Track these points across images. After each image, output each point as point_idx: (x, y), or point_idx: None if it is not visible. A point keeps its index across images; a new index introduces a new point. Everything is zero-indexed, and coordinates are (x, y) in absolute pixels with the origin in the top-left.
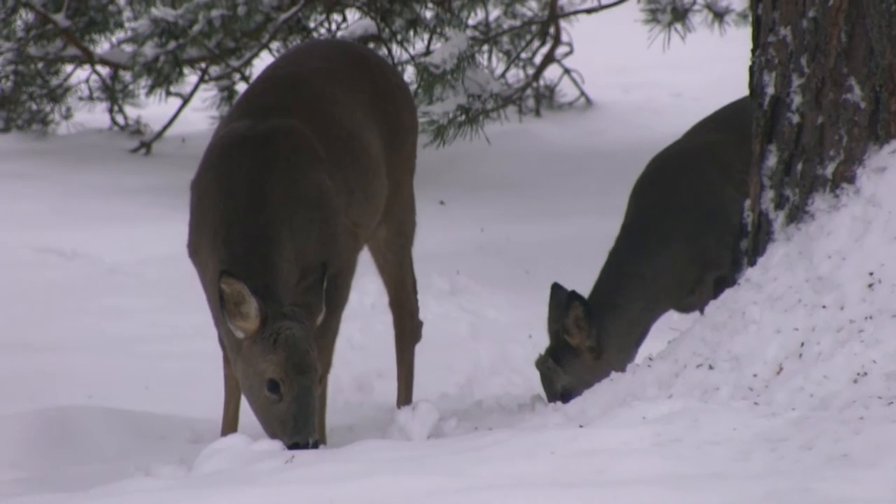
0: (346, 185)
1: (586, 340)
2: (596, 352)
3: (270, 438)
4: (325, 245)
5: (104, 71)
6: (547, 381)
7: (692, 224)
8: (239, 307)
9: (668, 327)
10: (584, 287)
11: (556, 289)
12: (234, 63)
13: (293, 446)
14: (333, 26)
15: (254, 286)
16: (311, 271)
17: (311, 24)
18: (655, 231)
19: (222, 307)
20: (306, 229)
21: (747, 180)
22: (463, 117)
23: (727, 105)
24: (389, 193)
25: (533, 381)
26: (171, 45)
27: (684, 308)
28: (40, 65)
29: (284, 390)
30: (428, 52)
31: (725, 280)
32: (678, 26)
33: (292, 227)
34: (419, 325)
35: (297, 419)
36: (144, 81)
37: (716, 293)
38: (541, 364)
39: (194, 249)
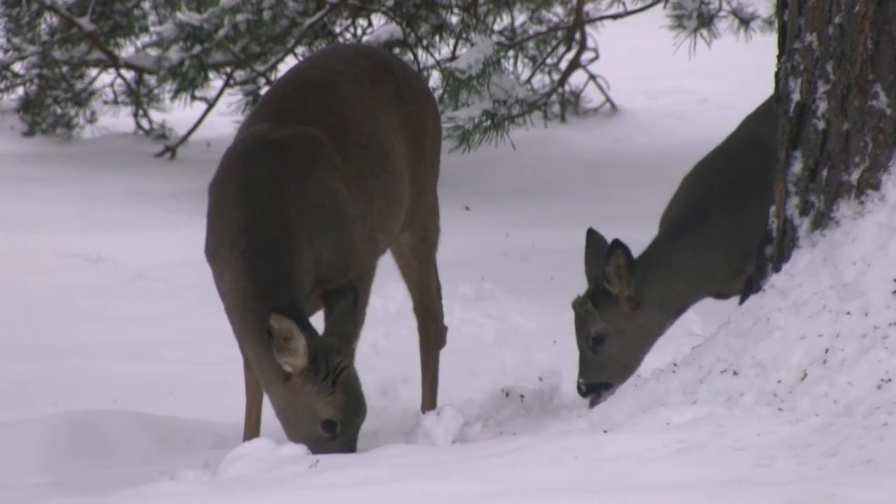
0: (364, 194)
1: (625, 289)
2: (634, 302)
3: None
4: (342, 253)
5: (129, 75)
6: (581, 324)
7: (748, 212)
8: (287, 343)
9: (690, 333)
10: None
11: (592, 234)
12: (260, 68)
13: None
14: (359, 31)
15: (285, 307)
16: (342, 297)
17: (337, 29)
18: (714, 212)
19: (270, 342)
20: (323, 238)
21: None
22: (488, 123)
23: None
24: (412, 199)
25: (558, 386)
26: (197, 49)
27: (723, 295)
28: (65, 69)
29: (340, 430)
30: (453, 57)
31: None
32: (704, 32)
33: (310, 236)
34: (444, 330)
35: (347, 452)
36: (169, 86)
37: (746, 288)
38: (578, 306)
39: (212, 254)
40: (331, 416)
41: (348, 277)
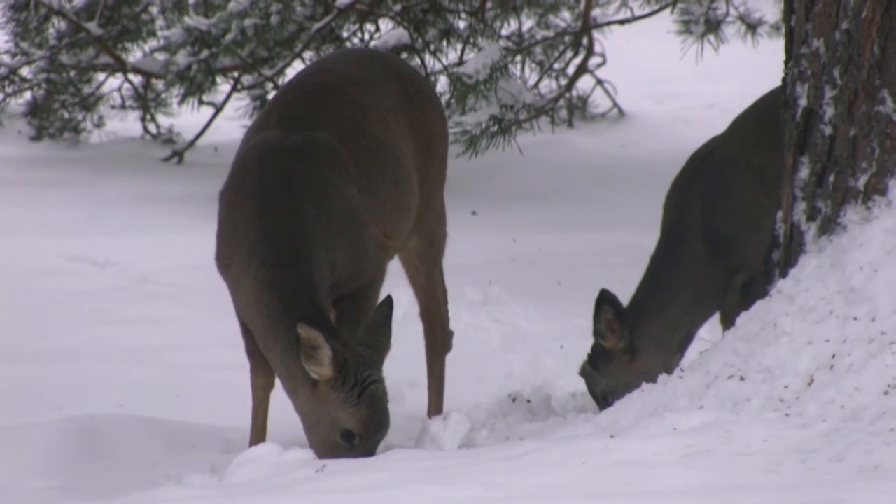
0: (376, 199)
1: (619, 343)
2: (630, 354)
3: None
4: (355, 259)
5: (136, 79)
6: (589, 387)
7: (723, 226)
8: (314, 352)
9: (698, 338)
10: (620, 297)
11: (604, 294)
12: (267, 72)
13: None
14: (366, 36)
15: (313, 317)
16: (377, 310)
17: (345, 34)
18: (684, 234)
19: (299, 351)
20: (338, 245)
21: (779, 186)
22: (496, 128)
23: (767, 95)
24: (420, 203)
25: (565, 390)
26: (204, 54)
27: (727, 310)
28: (73, 73)
29: (359, 443)
30: (461, 62)
31: (752, 284)
32: (711, 38)
33: (326, 243)
34: (450, 335)
35: None
36: (177, 90)
37: (743, 297)
38: (582, 371)
39: (225, 263)
40: (351, 427)
41: (360, 283)
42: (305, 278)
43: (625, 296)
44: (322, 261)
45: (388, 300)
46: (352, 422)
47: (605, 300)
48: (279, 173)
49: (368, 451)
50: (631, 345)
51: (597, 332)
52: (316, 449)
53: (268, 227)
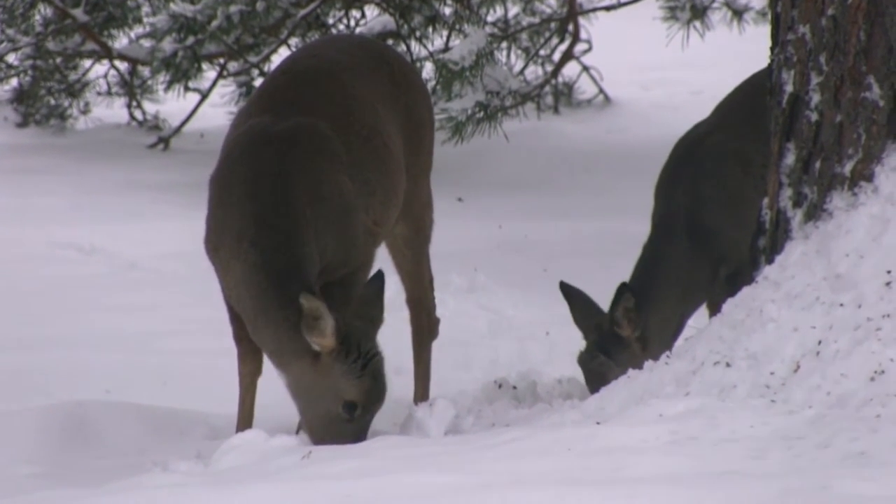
0: (366, 186)
1: (635, 331)
2: (641, 342)
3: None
4: (345, 246)
5: (122, 66)
6: (596, 377)
7: (708, 219)
8: (317, 322)
9: (687, 324)
10: (605, 284)
11: (565, 287)
12: (253, 59)
13: None
14: (352, 22)
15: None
16: (368, 283)
17: (330, 21)
18: (673, 226)
19: (300, 321)
20: (328, 231)
21: (765, 177)
22: (481, 114)
23: (750, 80)
24: (408, 190)
25: (551, 377)
26: (190, 40)
27: (715, 301)
28: (58, 60)
29: (359, 414)
30: (447, 48)
31: (737, 276)
32: (697, 24)
33: (316, 230)
34: (436, 321)
35: (358, 438)
36: (163, 77)
37: (728, 289)
38: (589, 361)
39: (214, 247)
40: (354, 398)
41: (348, 269)
42: (296, 261)
43: (612, 283)
44: (312, 247)
45: (380, 274)
46: (355, 392)
47: (628, 288)
48: (270, 159)
49: (365, 423)
50: (643, 334)
51: (613, 321)
52: (312, 423)
53: (258, 212)
